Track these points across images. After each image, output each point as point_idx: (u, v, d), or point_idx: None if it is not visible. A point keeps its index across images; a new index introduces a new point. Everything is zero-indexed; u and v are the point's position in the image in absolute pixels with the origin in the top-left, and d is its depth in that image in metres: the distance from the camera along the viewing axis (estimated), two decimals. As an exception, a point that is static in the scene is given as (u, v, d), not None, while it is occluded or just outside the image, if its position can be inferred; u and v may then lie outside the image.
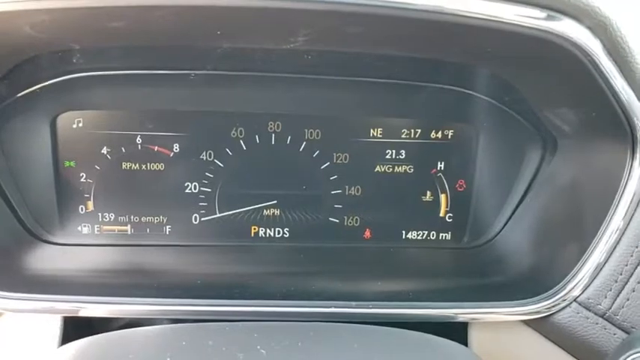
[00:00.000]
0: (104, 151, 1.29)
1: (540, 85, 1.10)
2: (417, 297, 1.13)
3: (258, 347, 0.82)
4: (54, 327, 1.10)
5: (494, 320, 1.12)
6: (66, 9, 0.78)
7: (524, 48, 0.92)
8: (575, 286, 1.06)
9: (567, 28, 0.84)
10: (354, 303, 1.08)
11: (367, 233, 1.39)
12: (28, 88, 1.19)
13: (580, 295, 1.05)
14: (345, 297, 1.10)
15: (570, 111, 1.09)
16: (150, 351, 0.86)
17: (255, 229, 1.37)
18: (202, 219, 1.35)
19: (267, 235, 1.38)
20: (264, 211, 1.36)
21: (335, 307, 1.07)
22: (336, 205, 1.36)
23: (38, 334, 1.11)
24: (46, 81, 1.19)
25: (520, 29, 0.84)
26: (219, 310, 1.06)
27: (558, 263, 1.13)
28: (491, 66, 1.13)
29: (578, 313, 1.06)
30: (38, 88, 1.19)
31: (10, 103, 1.19)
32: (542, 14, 0.84)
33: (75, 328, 1.11)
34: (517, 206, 1.32)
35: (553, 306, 1.07)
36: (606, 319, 1.04)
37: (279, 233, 1.37)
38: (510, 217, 1.33)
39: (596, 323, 1.04)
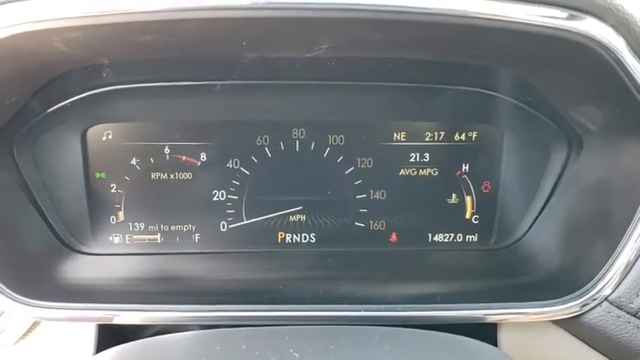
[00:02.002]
0: (133, 162, 1.32)
1: (564, 85, 1.09)
2: (445, 299, 1.13)
3: (291, 350, 0.84)
4: (89, 335, 1.13)
5: (523, 321, 1.12)
6: (99, 25, 0.81)
7: (547, 48, 0.92)
8: (605, 285, 1.05)
9: (590, 26, 0.84)
10: (383, 306, 1.09)
11: (393, 237, 1.39)
12: (59, 103, 1.22)
13: (611, 294, 1.05)
14: (373, 300, 1.11)
15: (595, 109, 1.09)
16: (184, 356, 0.88)
17: (281, 235, 1.38)
18: (230, 226, 1.37)
19: (294, 241, 1.39)
20: (290, 217, 1.38)
21: (364, 310, 1.08)
22: (361, 210, 1.37)
23: (74, 342, 1.14)
24: (76, 95, 1.22)
25: (543, 30, 0.84)
26: (249, 316, 1.08)
27: (587, 262, 1.12)
28: (514, 67, 1.13)
29: (609, 312, 1.05)
30: (69, 103, 1.23)
31: (41, 118, 1.23)
32: (565, 14, 0.84)
33: (109, 336, 1.14)
34: (544, 206, 1.31)
35: (583, 305, 1.06)
36: (639, 318, 1.03)
37: (305, 239, 1.39)
38: (537, 218, 1.32)
39: (629, 322, 1.03)
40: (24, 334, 1.15)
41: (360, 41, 0.95)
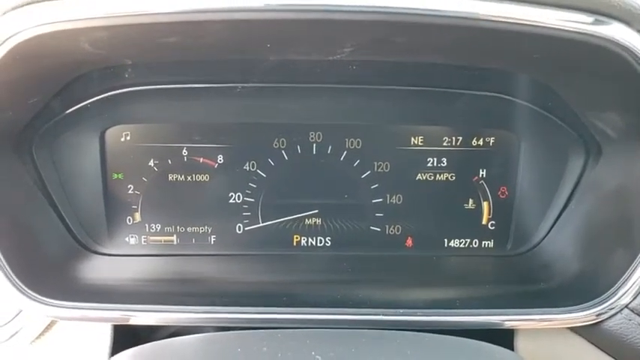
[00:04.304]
0: (151, 163, 1.32)
1: (586, 90, 1.09)
2: (463, 304, 1.12)
3: (313, 353, 0.83)
4: (104, 336, 1.14)
5: (541, 327, 1.11)
6: (125, 25, 0.81)
7: (572, 53, 0.92)
8: (625, 293, 1.05)
9: (616, 31, 0.84)
10: (401, 310, 1.08)
11: (409, 242, 1.39)
12: (79, 104, 1.23)
13: (631, 302, 1.04)
14: (390, 305, 1.10)
15: (617, 115, 1.08)
16: (205, 358, 0.88)
17: (297, 238, 1.38)
18: (246, 228, 1.37)
19: (309, 244, 1.39)
20: (306, 220, 1.37)
21: (383, 314, 1.08)
22: (377, 214, 1.37)
23: (89, 343, 1.15)
24: (97, 96, 1.23)
25: (569, 34, 0.84)
26: (266, 318, 1.08)
27: (606, 270, 1.11)
28: (536, 72, 1.13)
29: (630, 320, 1.05)
30: (89, 103, 1.24)
31: (61, 118, 1.24)
32: (591, 19, 0.84)
33: (124, 337, 1.14)
34: (561, 213, 1.30)
35: (602, 313, 1.06)
36: (660, 326, 1.02)
37: (320, 242, 1.39)
38: (554, 224, 1.32)
39: (650, 330, 1.03)
40: (40, 334, 1.16)
41: (382, 44, 0.95)
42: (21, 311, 1.12)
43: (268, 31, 0.88)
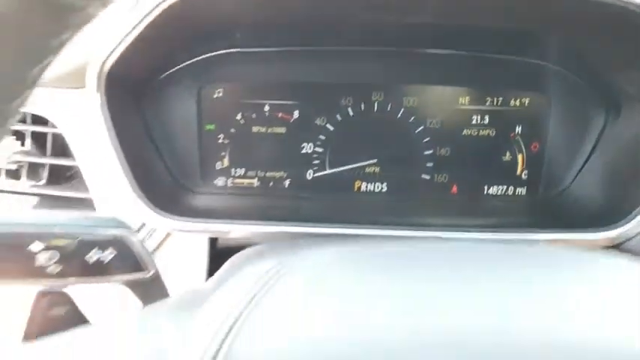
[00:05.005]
0: (238, 116, 1.53)
1: (611, 52, 1.31)
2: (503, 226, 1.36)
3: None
4: (202, 251, 1.40)
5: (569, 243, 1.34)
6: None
7: (603, 15, 1.14)
8: (643, 218, 1.28)
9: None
10: (454, 228, 1.32)
11: (454, 188, 1.60)
12: (186, 61, 1.46)
13: (649, 226, 1.27)
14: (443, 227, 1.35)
15: (638, 75, 1.29)
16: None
17: (358, 184, 1.60)
18: (315, 175, 1.58)
19: (368, 190, 1.60)
20: (367, 168, 1.58)
21: (440, 231, 1.32)
22: (427, 164, 1.58)
23: (190, 258, 1.40)
24: (202, 55, 1.46)
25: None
26: (344, 233, 1.32)
27: (626, 203, 1.33)
28: (568, 35, 1.34)
29: (648, 239, 1.28)
30: (195, 61, 1.46)
31: (170, 73, 1.46)
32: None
33: (218, 253, 1.39)
34: (585, 162, 1.51)
35: (624, 233, 1.29)
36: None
37: (378, 188, 1.60)
38: (579, 172, 1.53)
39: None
40: (155, 248, 1.40)
41: (453, 7, 1.19)
42: (143, 225, 1.36)
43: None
